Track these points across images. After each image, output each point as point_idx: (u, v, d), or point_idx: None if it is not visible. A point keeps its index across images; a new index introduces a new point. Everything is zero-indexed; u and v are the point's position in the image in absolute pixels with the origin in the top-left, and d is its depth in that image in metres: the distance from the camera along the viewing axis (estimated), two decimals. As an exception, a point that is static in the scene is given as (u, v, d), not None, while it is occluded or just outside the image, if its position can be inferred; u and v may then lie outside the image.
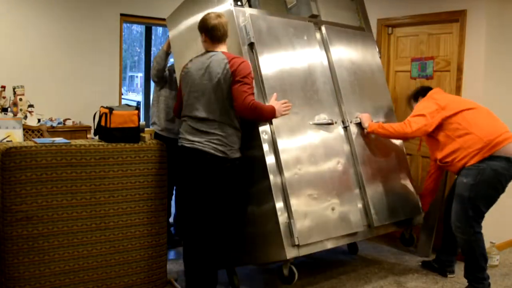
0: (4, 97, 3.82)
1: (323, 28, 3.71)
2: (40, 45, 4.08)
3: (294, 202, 3.05)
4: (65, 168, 2.87)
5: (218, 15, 3.01)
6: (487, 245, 4.20)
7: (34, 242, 2.80)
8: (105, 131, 3.08)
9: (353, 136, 3.59)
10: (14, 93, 3.78)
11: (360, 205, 3.51)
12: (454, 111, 3.55)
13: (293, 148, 3.16)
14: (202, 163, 2.98)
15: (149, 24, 4.86)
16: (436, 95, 3.74)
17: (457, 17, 4.23)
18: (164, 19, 4.66)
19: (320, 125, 3.37)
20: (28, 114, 3.74)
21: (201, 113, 2.99)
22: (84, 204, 2.94)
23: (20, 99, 3.74)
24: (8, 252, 2.74)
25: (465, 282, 3.73)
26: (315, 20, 3.71)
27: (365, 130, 3.66)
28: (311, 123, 3.32)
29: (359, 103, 3.74)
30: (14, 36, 3.96)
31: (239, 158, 3.06)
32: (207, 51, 3.07)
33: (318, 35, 3.68)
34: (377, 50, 4.14)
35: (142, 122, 3.22)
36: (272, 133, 3.08)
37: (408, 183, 3.94)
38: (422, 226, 4.42)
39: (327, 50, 3.68)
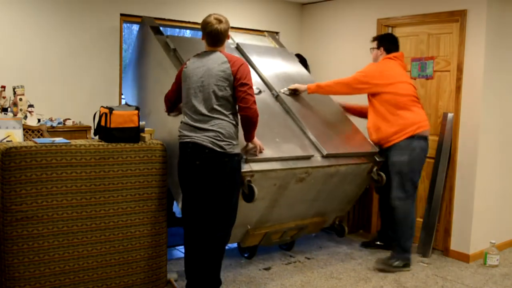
0: (4, 97, 3.81)
1: (239, 45, 4.39)
2: (40, 45, 4.07)
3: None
4: (65, 168, 2.87)
5: (219, 20, 3.10)
6: (486, 245, 4.22)
7: (34, 242, 2.80)
8: (105, 131, 3.08)
9: (285, 100, 4.03)
10: (14, 93, 3.78)
11: (305, 140, 3.77)
12: (392, 86, 3.97)
13: None
14: (200, 157, 3.02)
15: (149, 24, 4.86)
16: (388, 65, 4.08)
17: (457, 17, 4.23)
18: (164, 19, 4.68)
19: None
20: (28, 114, 3.73)
21: (199, 110, 3.04)
22: (84, 204, 2.94)
23: (20, 99, 3.74)
24: (8, 252, 2.74)
25: (464, 280, 3.74)
26: (232, 42, 4.46)
27: (306, 92, 4.13)
28: None
29: (285, 83, 4.24)
30: (14, 36, 3.96)
31: (238, 154, 3.10)
32: (205, 51, 3.17)
33: (235, 49, 4.34)
34: (295, 58, 4.84)
35: (142, 122, 3.22)
36: None
37: (353, 128, 4.21)
38: (422, 225, 4.43)
39: (244, 54, 4.31)
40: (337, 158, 3.77)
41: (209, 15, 3.12)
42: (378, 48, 4.20)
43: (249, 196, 3.25)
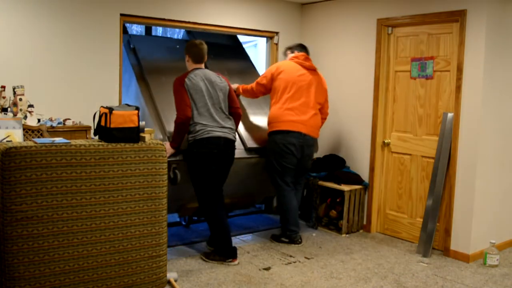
0: (4, 97, 3.81)
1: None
2: (40, 45, 4.07)
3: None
4: (65, 168, 2.87)
5: (201, 43, 4.02)
6: (486, 245, 4.22)
7: (34, 242, 2.80)
8: (105, 131, 3.08)
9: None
10: (14, 93, 3.77)
11: None
12: (279, 77, 4.44)
13: (171, 104, 4.21)
14: (231, 147, 4.00)
15: (149, 24, 4.85)
16: (285, 62, 4.60)
17: (457, 17, 4.23)
18: (164, 19, 4.68)
19: None
20: (28, 114, 3.73)
21: (218, 114, 3.94)
22: (84, 204, 2.94)
23: (20, 99, 3.74)
24: (8, 252, 2.75)
25: (464, 280, 3.74)
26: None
27: (237, 92, 4.62)
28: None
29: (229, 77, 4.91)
30: (14, 36, 3.96)
31: None
32: (195, 69, 3.98)
33: None
34: (247, 54, 5.47)
35: (142, 122, 3.22)
36: (159, 111, 4.30)
37: None
38: (422, 225, 4.43)
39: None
40: (258, 151, 4.50)
41: (192, 40, 4.06)
42: (285, 55, 4.83)
43: (174, 180, 3.99)
